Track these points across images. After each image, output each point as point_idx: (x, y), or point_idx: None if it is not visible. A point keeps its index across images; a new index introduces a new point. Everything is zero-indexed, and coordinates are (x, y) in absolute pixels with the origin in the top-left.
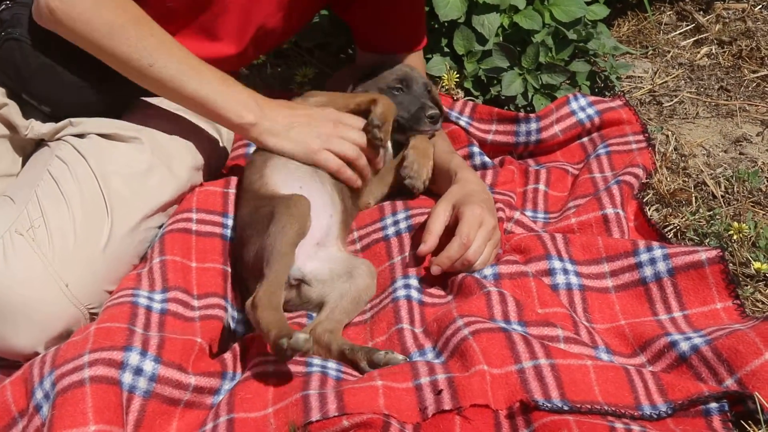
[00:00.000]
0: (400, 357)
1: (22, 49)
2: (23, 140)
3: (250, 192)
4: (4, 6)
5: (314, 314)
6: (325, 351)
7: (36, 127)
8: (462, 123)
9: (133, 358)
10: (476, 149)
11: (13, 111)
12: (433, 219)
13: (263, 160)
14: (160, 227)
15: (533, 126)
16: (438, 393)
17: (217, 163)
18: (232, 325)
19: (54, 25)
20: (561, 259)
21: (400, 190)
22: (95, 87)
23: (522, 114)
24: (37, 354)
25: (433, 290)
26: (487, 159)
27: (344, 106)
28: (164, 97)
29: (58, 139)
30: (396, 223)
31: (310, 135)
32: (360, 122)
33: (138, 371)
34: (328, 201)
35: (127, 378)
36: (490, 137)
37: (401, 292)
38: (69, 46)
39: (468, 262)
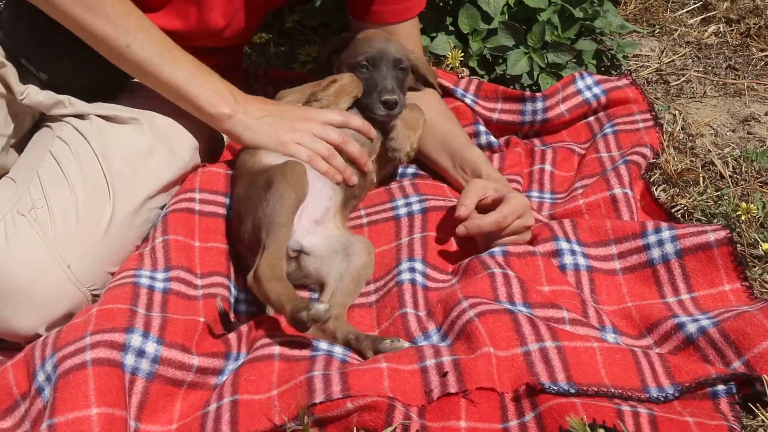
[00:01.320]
0: (406, 344)
1: (24, 11)
2: (18, 106)
3: (244, 170)
4: None
5: (315, 291)
6: (330, 338)
7: (33, 94)
8: (467, 101)
9: (135, 339)
10: (482, 128)
11: (10, 73)
12: (470, 190)
13: None
14: (162, 207)
15: (539, 105)
16: (443, 375)
17: (217, 145)
18: (235, 303)
19: None
20: (568, 240)
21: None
22: (92, 59)
23: (528, 93)
24: (38, 336)
25: (437, 274)
26: (492, 138)
27: (306, 96)
28: (140, 80)
29: (58, 119)
30: (408, 204)
31: (282, 128)
32: (341, 116)
33: (140, 353)
34: (328, 183)
35: (129, 360)
36: (495, 116)
37: (406, 276)
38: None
39: (491, 240)
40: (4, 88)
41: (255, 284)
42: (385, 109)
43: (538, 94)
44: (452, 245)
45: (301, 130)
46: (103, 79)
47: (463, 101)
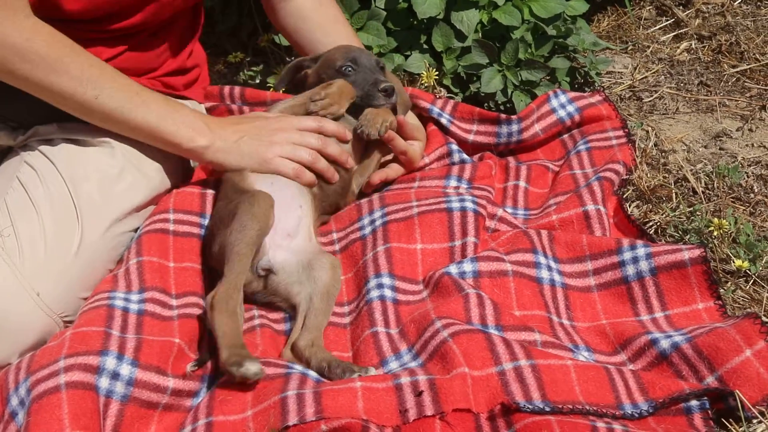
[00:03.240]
0: (374, 372)
1: None
2: None
3: (228, 186)
4: None
5: (286, 312)
6: (305, 364)
7: (4, 138)
8: (443, 120)
9: (110, 362)
10: (454, 147)
11: None
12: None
13: None
14: (134, 230)
15: (514, 128)
16: (418, 394)
17: (188, 165)
18: None
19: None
20: (545, 255)
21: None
22: None
23: (503, 116)
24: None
25: (407, 285)
26: (465, 156)
27: (300, 103)
28: (110, 129)
29: (25, 145)
30: (372, 222)
31: (261, 145)
32: (315, 122)
33: (115, 375)
34: (297, 192)
35: (103, 383)
36: (471, 137)
37: (374, 293)
38: None
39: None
40: None
41: (209, 311)
42: (385, 98)
43: (513, 117)
44: (416, 253)
45: (281, 142)
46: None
47: (439, 121)
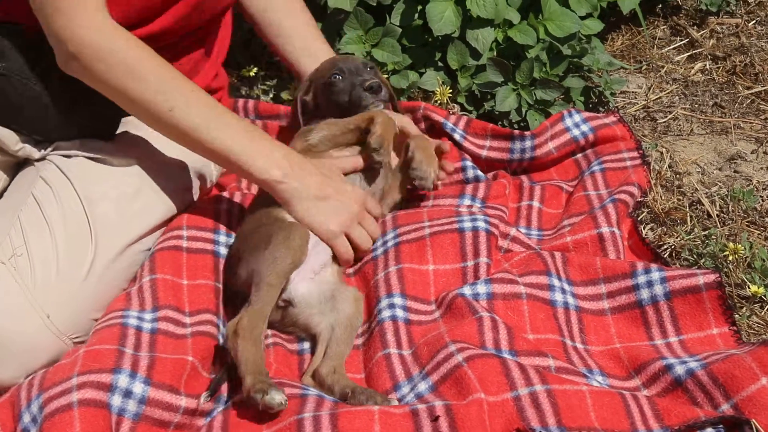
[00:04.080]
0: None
1: (11, 82)
2: (3, 161)
3: (263, 206)
4: None
5: (304, 340)
6: (327, 392)
7: (28, 150)
8: (456, 136)
9: (122, 380)
10: (469, 163)
11: (6, 137)
12: None
13: None
14: (148, 250)
15: (528, 144)
16: (435, 419)
17: (208, 184)
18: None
19: (76, 71)
20: (559, 278)
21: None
22: (83, 112)
23: (517, 132)
24: None
25: (419, 305)
26: (479, 173)
27: (342, 132)
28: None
29: (44, 158)
30: (385, 243)
31: (337, 216)
32: (378, 208)
33: (127, 393)
34: None
35: (116, 401)
36: (484, 153)
37: (386, 313)
38: (53, 75)
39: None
40: None
41: (231, 336)
42: (372, 95)
43: (527, 133)
44: (429, 274)
45: (352, 219)
46: (94, 131)
47: (452, 136)
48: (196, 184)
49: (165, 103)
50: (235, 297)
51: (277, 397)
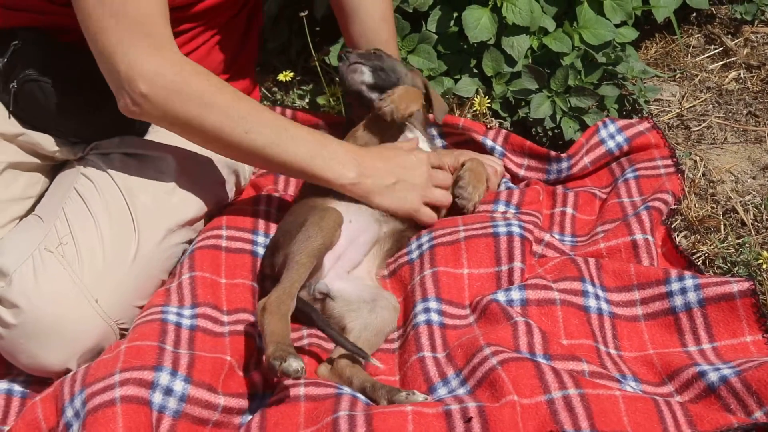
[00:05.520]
0: (421, 397)
1: (42, 89)
2: (42, 165)
3: (304, 205)
4: (12, 47)
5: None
6: (347, 383)
7: (65, 152)
8: (496, 154)
9: (164, 378)
10: (505, 179)
11: (39, 141)
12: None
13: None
14: (187, 242)
15: (564, 165)
16: (468, 421)
17: (242, 180)
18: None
19: (148, 112)
20: (593, 284)
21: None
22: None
23: (553, 153)
24: (67, 370)
25: (454, 309)
26: (511, 184)
27: (374, 129)
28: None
29: (82, 158)
30: (420, 246)
31: (413, 191)
32: (437, 158)
33: (168, 391)
34: (371, 237)
35: (157, 398)
36: (522, 172)
37: (421, 318)
38: (87, 79)
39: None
40: (31, 154)
41: (260, 313)
42: (346, 68)
43: (563, 155)
44: (463, 278)
45: (425, 185)
46: (131, 128)
47: (491, 153)
48: (231, 179)
49: (239, 127)
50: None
51: (294, 364)
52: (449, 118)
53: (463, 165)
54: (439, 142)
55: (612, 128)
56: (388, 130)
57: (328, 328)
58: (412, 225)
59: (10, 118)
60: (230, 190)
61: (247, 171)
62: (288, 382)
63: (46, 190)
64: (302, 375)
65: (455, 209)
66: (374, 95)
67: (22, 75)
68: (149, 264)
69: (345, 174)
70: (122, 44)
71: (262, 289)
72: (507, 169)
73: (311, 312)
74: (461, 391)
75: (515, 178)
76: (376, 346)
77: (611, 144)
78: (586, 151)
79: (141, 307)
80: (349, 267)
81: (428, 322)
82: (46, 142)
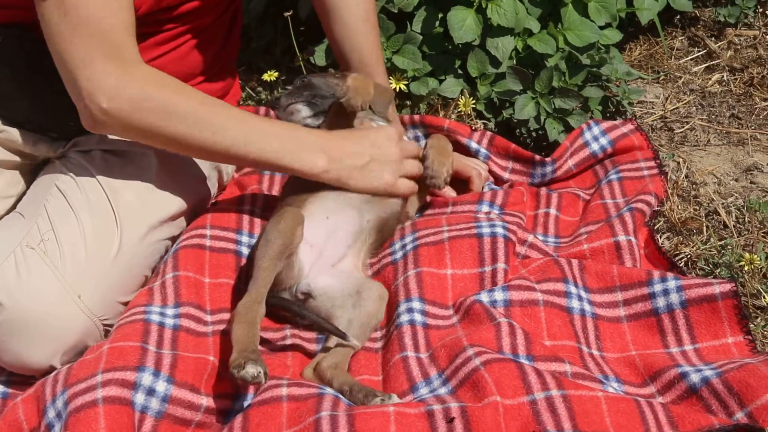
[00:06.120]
0: (397, 400)
1: (17, 82)
2: (22, 164)
3: (283, 204)
4: None
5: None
6: (327, 384)
7: (44, 150)
8: (481, 156)
9: (146, 378)
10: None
11: (15, 136)
12: None
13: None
14: (170, 239)
15: (548, 169)
16: (450, 421)
17: (225, 177)
18: None
19: (110, 126)
20: (576, 285)
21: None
22: None
23: (538, 157)
24: (51, 367)
25: (437, 310)
26: (495, 186)
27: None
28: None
29: (63, 156)
30: (404, 246)
31: (387, 167)
32: (415, 149)
33: (150, 392)
34: (356, 230)
35: (139, 398)
36: (506, 175)
37: (404, 318)
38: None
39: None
40: (13, 153)
41: (230, 323)
42: (277, 108)
43: (547, 159)
44: (447, 278)
45: (397, 159)
46: None
47: (476, 156)
48: (213, 175)
49: (206, 131)
50: None
51: (251, 371)
52: (434, 120)
53: (424, 148)
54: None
55: (596, 130)
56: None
57: (308, 313)
58: (395, 213)
59: None
60: (212, 186)
61: (229, 167)
62: (251, 389)
63: (26, 190)
64: (262, 380)
65: (436, 197)
66: (319, 122)
67: (1, 71)
68: (132, 260)
69: (315, 163)
70: (84, 59)
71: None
72: (491, 172)
73: (291, 305)
74: (443, 391)
75: (499, 181)
76: (365, 339)
77: (595, 147)
78: (570, 154)
79: (125, 304)
80: (333, 261)
81: (411, 322)
82: (24, 139)
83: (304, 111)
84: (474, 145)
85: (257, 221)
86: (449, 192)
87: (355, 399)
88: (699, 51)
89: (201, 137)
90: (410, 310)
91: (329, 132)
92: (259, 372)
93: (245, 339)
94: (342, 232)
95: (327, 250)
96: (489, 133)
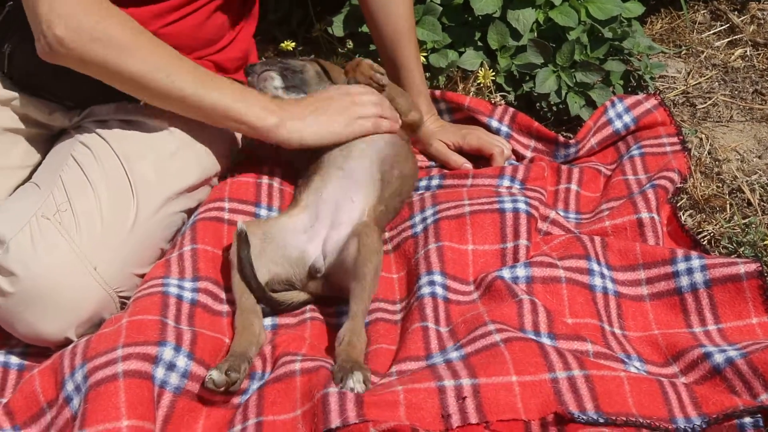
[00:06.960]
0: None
1: (30, 47)
2: (38, 134)
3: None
4: (8, 8)
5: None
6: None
7: (60, 119)
8: (502, 134)
9: (167, 353)
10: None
11: (30, 105)
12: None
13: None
14: (186, 211)
15: (572, 150)
16: (462, 400)
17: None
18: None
19: (64, 56)
20: (599, 263)
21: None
22: None
23: (561, 138)
24: (66, 339)
25: (458, 285)
26: (514, 161)
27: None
28: (181, 112)
29: (79, 126)
30: (424, 219)
31: (335, 114)
32: (365, 87)
33: (171, 366)
34: (348, 186)
35: (159, 373)
36: (528, 154)
37: (426, 290)
38: None
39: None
40: (23, 121)
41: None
42: (251, 74)
43: (571, 141)
44: (468, 254)
45: (348, 105)
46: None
47: (498, 133)
48: (228, 147)
49: (161, 72)
50: None
51: (212, 377)
52: (455, 96)
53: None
54: (446, 117)
55: (620, 107)
56: None
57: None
58: (382, 156)
59: (4, 81)
60: (229, 158)
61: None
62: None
63: (42, 160)
64: (217, 386)
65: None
66: (292, 95)
67: (16, 36)
68: (148, 232)
69: (268, 118)
70: None
71: None
72: (513, 151)
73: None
74: (455, 356)
75: (521, 160)
76: (364, 287)
77: (619, 125)
78: (593, 133)
79: (141, 276)
80: (323, 236)
81: (433, 295)
82: (40, 108)
83: (277, 80)
84: (495, 123)
85: (276, 194)
86: (466, 164)
87: (337, 378)
88: (721, 25)
89: (156, 78)
90: (432, 283)
91: (286, 100)
92: (217, 378)
93: (234, 345)
94: (344, 216)
95: (334, 216)
96: (511, 109)
